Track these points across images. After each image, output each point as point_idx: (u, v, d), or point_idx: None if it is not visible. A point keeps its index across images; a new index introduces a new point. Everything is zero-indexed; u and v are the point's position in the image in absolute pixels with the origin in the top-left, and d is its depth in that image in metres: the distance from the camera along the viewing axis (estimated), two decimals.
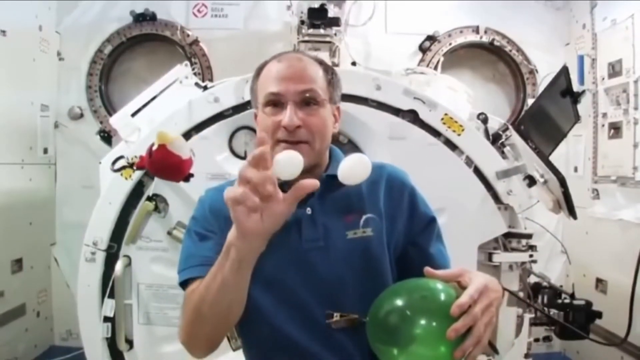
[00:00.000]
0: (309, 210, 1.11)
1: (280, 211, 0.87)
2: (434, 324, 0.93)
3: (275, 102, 1.08)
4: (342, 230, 1.10)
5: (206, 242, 1.09)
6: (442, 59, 2.98)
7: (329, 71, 1.15)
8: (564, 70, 2.08)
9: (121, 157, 1.59)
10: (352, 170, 1.00)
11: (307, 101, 1.08)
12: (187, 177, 1.52)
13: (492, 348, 1.50)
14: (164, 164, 1.45)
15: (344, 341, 1.07)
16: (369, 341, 1.00)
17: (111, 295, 1.77)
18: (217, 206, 1.11)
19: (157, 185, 1.77)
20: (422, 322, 0.93)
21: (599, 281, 2.66)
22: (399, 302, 0.97)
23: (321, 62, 1.16)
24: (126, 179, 1.77)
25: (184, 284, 1.08)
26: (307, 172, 1.09)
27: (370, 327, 1.01)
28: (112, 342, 1.80)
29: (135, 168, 1.54)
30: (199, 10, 2.98)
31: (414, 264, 1.08)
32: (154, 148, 1.43)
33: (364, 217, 1.11)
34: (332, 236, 1.10)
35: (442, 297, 0.95)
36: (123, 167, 1.61)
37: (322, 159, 1.16)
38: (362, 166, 1.00)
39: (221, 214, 1.06)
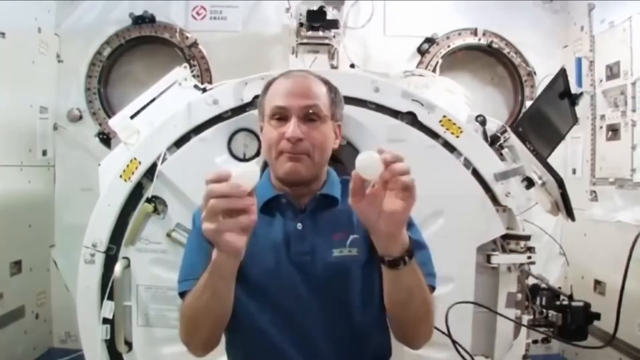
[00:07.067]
0: (299, 226, 1.15)
1: (250, 221, 0.91)
2: None
3: (281, 115, 1.14)
4: (329, 247, 1.14)
5: (203, 252, 1.11)
6: (440, 61, 2.98)
7: (333, 90, 1.22)
8: (562, 73, 2.08)
9: None
10: (370, 162, 1.02)
11: (311, 116, 1.14)
12: None
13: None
14: None
15: (324, 350, 1.12)
16: None
17: (110, 297, 1.77)
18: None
19: (156, 187, 1.77)
20: None
21: (597, 283, 2.66)
22: None
23: (326, 82, 1.22)
24: (125, 180, 1.78)
25: (182, 294, 1.14)
26: (304, 185, 1.18)
27: None
28: (111, 344, 1.80)
29: None
30: (197, 13, 2.98)
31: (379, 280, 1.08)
32: None
33: (351, 237, 1.15)
34: (318, 252, 1.14)
35: None
36: None
37: (321, 175, 1.20)
38: (376, 164, 1.01)
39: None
